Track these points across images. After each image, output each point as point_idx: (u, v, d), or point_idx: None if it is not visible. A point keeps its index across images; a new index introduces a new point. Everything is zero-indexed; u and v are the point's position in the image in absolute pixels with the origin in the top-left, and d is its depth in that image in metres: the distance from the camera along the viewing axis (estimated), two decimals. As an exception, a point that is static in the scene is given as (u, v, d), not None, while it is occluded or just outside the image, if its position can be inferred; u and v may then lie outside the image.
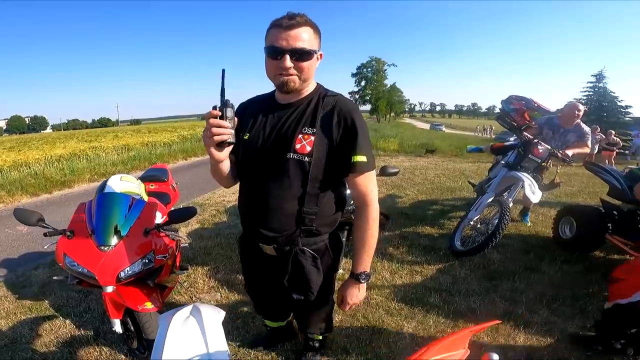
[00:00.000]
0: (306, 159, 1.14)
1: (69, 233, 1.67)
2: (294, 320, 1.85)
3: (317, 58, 1.14)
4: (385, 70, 51.65)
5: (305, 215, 1.20)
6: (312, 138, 1.14)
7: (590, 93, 28.80)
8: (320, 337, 1.77)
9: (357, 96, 53.43)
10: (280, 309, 1.74)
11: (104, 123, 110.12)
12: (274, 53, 1.06)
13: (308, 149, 1.13)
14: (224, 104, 1.02)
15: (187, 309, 0.92)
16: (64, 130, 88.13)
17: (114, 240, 1.64)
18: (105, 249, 1.61)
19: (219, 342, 0.87)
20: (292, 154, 1.14)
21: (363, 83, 52.49)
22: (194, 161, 10.95)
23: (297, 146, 1.14)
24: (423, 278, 2.77)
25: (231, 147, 1.08)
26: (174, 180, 3.09)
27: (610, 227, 2.86)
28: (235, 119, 1.05)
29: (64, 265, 1.65)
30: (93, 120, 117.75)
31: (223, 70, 1.06)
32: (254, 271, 1.49)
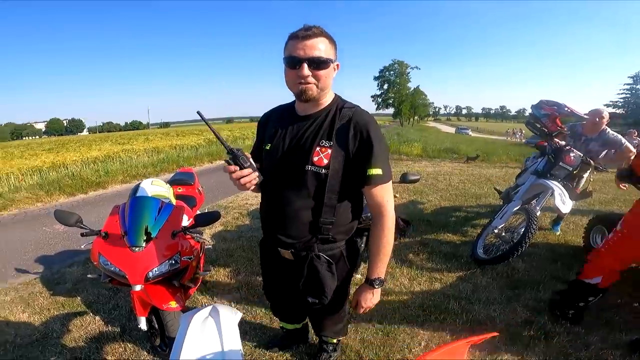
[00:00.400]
0: (323, 171, 1.17)
1: (103, 234, 1.77)
2: (309, 323, 1.88)
3: (334, 68, 1.18)
4: (409, 73, 51.00)
5: (322, 225, 1.25)
6: (329, 151, 1.17)
7: (627, 95, 27.15)
8: (334, 341, 1.80)
9: (379, 100, 53.02)
10: (296, 312, 1.78)
11: (135, 126, 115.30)
12: (293, 62, 1.11)
13: (325, 161, 1.17)
14: (234, 155, 1.12)
15: (207, 310, 0.97)
16: (99, 132, 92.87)
17: (144, 242, 1.73)
18: (136, 249, 1.70)
19: (234, 342, 0.92)
20: (310, 167, 1.18)
21: (386, 86, 52.01)
22: (219, 164, 11.24)
23: (315, 159, 1.18)
24: (442, 285, 2.73)
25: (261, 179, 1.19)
26: (200, 184, 3.21)
27: None
28: (251, 159, 1.15)
29: (99, 264, 1.75)
30: (126, 123, 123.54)
31: (199, 113, 1.18)
32: (273, 274, 1.54)
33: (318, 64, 1.10)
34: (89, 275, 2.27)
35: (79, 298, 2.72)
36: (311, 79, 1.12)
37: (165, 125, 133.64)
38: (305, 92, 1.13)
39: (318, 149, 1.18)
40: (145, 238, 1.74)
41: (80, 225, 1.74)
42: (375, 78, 52.67)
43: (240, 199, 5.75)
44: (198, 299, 2.61)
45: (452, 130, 55.46)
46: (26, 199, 6.48)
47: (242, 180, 1.13)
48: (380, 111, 57.21)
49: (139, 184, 2.25)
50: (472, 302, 2.44)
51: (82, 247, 1.92)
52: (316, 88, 1.14)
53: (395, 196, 3.06)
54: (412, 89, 52.36)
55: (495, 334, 0.90)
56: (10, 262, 3.60)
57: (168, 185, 2.37)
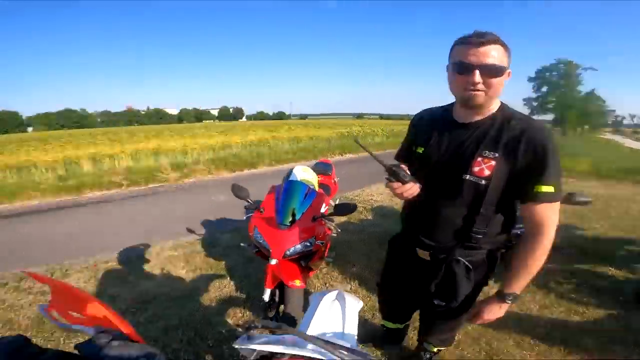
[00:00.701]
0: (483, 182, 1.13)
1: (261, 209, 2.06)
2: (409, 326, 1.89)
3: (507, 76, 1.11)
4: (580, 74, 41.29)
5: (472, 234, 1.22)
6: (493, 162, 1.12)
7: None
8: (435, 350, 1.72)
9: (534, 103, 44.93)
10: (405, 312, 1.77)
11: (280, 116, 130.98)
12: (463, 68, 1.07)
13: (487, 172, 1.13)
14: (393, 173, 1.15)
15: (334, 293, 1.09)
16: (253, 120, 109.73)
17: (290, 222, 1.95)
18: (283, 227, 1.94)
19: (353, 327, 1.00)
20: (468, 176, 1.15)
21: (545, 89, 43.58)
22: (349, 157, 11.78)
23: (476, 169, 1.14)
24: (582, 319, 2.29)
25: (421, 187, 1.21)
26: (336, 175, 3.47)
27: None
28: (407, 170, 1.18)
29: (252, 235, 2.02)
30: (273, 113, 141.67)
31: (356, 140, 1.31)
32: (398, 271, 1.56)
33: (491, 71, 1.06)
34: (241, 244, 2.60)
35: (223, 262, 3.21)
36: (481, 86, 1.07)
37: (304, 117, 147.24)
38: (473, 99, 1.10)
39: (480, 159, 1.14)
40: (291, 219, 1.96)
41: (248, 199, 2.04)
42: (531, 79, 44.77)
43: (366, 194, 5.92)
44: (312, 282, 2.80)
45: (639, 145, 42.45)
46: (202, 170, 8.28)
47: (405, 194, 1.17)
48: (535, 117, 48.57)
49: (292, 169, 2.56)
50: (615, 342, 1.99)
51: (244, 218, 2.26)
52: (485, 95, 1.10)
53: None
54: (583, 93, 42.40)
55: None
56: (184, 223, 4.36)
57: (314, 173, 2.63)
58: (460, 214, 1.21)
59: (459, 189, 1.17)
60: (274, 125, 25.94)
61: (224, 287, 2.78)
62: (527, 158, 1.08)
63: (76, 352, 0.59)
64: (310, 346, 0.68)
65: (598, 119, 48.55)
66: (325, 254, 2.43)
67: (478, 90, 1.08)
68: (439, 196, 1.23)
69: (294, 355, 0.68)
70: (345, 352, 0.67)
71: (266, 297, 1.91)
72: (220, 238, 3.82)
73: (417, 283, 1.42)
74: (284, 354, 0.68)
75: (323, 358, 0.68)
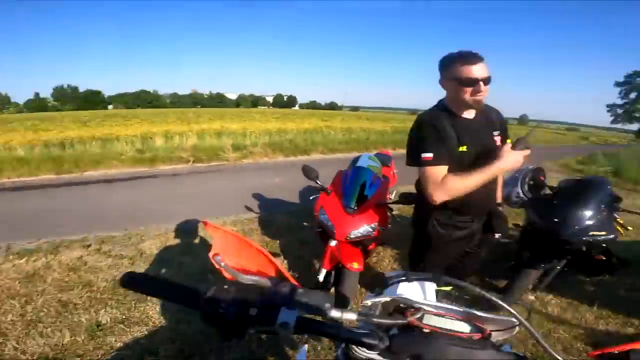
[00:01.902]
0: None
1: (329, 191, 2.16)
2: None
3: None
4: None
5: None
6: (498, 138, 1.64)
7: None
8: None
9: (619, 110, 39.75)
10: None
11: (332, 107, 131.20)
12: (471, 82, 1.44)
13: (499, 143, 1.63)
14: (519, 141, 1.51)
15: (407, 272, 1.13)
16: (306, 108, 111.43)
17: (355, 206, 2.03)
18: (348, 210, 2.02)
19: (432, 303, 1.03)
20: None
21: (633, 95, 38.34)
22: (401, 152, 11.55)
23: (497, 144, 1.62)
24: (637, 332, 2.17)
25: None
26: (395, 167, 3.48)
27: None
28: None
29: (317, 215, 2.11)
30: (325, 103, 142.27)
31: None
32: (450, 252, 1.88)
33: (487, 81, 1.46)
34: (304, 223, 2.69)
35: (278, 242, 3.32)
36: (484, 93, 1.47)
37: (355, 109, 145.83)
38: (480, 102, 1.50)
39: (496, 139, 1.63)
40: (357, 203, 2.04)
41: (316, 180, 2.15)
42: (619, 84, 39.63)
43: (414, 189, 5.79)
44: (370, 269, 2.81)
45: None
46: (259, 153, 8.69)
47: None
48: (617, 125, 43.01)
49: (359, 156, 2.64)
50: None
51: (311, 198, 2.35)
52: (485, 98, 1.50)
53: (628, 228, 2.44)
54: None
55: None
56: (243, 200, 4.64)
57: (380, 162, 2.69)
58: (493, 188, 1.72)
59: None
60: (327, 114, 26.12)
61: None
62: (503, 127, 1.68)
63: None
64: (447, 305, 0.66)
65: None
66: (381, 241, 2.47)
67: (483, 96, 1.47)
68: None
69: (435, 307, 0.67)
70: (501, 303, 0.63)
71: (321, 277, 1.96)
72: (276, 218, 3.96)
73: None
74: (422, 306, 0.67)
75: (461, 315, 0.68)
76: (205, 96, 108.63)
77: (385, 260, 3.10)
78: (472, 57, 1.44)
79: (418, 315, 0.65)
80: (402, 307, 0.68)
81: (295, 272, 2.81)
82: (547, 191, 2.41)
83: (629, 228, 2.46)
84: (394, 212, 2.32)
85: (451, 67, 1.48)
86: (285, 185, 5.63)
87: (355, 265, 1.96)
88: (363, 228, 2.00)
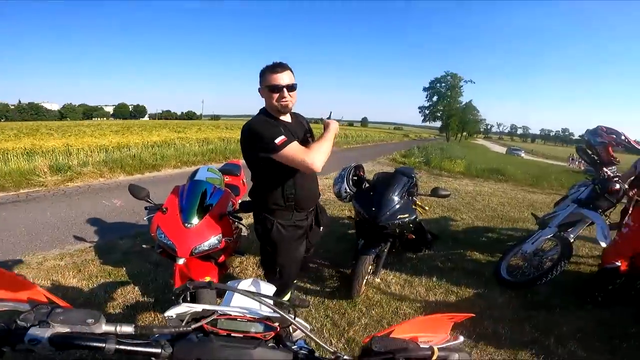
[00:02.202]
0: None
1: (164, 209, 2.02)
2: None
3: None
4: (462, 86, 49.10)
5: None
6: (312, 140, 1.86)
7: None
8: None
9: (426, 112, 51.54)
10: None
11: (190, 116, 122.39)
12: (276, 89, 1.63)
13: None
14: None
15: (249, 281, 1.19)
16: (157, 119, 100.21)
17: (195, 220, 1.96)
18: (188, 226, 1.94)
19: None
20: None
21: (435, 98, 50.49)
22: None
23: None
24: (457, 299, 2.78)
25: None
26: (245, 176, 3.50)
27: None
28: None
29: (155, 235, 1.98)
30: (182, 112, 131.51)
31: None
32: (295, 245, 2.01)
33: (292, 88, 1.67)
34: (143, 246, 2.50)
35: (124, 269, 2.98)
36: (289, 98, 1.68)
37: (216, 117, 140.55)
38: (287, 107, 1.70)
39: (310, 139, 1.84)
40: (196, 217, 1.97)
41: (147, 199, 2.00)
42: (425, 89, 51.38)
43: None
44: (226, 281, 2.85)
45: (502, 150, 52.30)
46: (91, 173, 7.26)
47: None
48: (427, 124, 55.59)
49: (198, 169, 2.54)
50: (483, 318, 2.47)
51: (145, 219, 2.16)
52: (292, 104, 1.72)
53: (425, 208, 3.13)
54: (463, 103, 50.40)
55: (472, 314, 1.00)
56: (70, 230, 3.98)
57: (220, 173, 2.64)
58: (317, 185, 2.01)
59: None
60: (181, 125, 24.20)
61: (129, 293, 2.61)
62: (310, 130, 1.93)
63: (23, 324, 0.56)
64: (239, 303, 0.73)
65: (473, 126, 58.30)
66: (236, 251, 2.47)
67: (287, 101, 1.67)
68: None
69: (225, 313, 0.72)
70: (271, 303, 0.73)
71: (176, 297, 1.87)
72: (118, 244, 3.54)
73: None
74: (215, 311, 0.72)
75: (253, 316, 0.74)
76: (12, 107, 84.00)
77: (249, 268, 3.10)
78: (277, 67, 1.62)
79: (208, 321, 0.69)
80: (200, 314, 0.74)
81: (151, 296, 2.56)
82: (367, 185, 2.87)
83: (426, 208, 3.20)
84: (244, 223, 2.32)
85: (263, 76, 1.66)
86: (128, 206, 4.91)
87: (208, 280, 1.88)
88: (207, 242, 1.95)
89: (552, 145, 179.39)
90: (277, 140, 1.56)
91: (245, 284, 1.16)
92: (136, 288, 2.68)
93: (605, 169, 3.23)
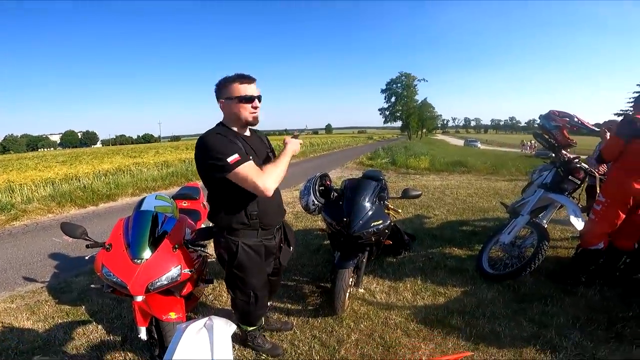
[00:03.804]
0: None
1: (107, 246, 1.82)
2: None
3: None
4: (416, 85, 51.04)
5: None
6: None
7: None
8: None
9: (387, 113, 52.99)
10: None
11: (147, 139, 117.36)
12: (250, 99, 1.61)
13: None
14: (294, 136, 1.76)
15: (202, 321, 0.99)
16: (112, 145, 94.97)
17: (146, 254, 1.77)
18: (138, 262, 1.75)
19: (226, 353, 0.93)
20: None
21: (393, 99, 52.05)
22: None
23: None
24: (446, 300, 2.68)
25: None
26: (205, 199, 3.24)
27: None
28: None
29: (101, 274, 1.80)
30: (138, 136, 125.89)
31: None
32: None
33: (260, 99, 1.66)
34: (92, 285, 2.33)
35: (83, 307, 2.77)
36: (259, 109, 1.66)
37: (176, 138, 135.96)
38: (257, 118, 1.67)
39: (270, 154, 1.82)
40: (147, 251, 1.79)
41: (85, 237, 1.80)
42: (383, 91, 52.81)
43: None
44: (201, 310, 2.63)
45: (460, 142, 55.02)
46: (38, 210, 6.63)
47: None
48: (388, 124, 57.21)
49: (143, 198, 2.32)
50: (477, 317, 2.39)
51: (87, 257, 1.97)
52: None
53: (397, 211, 3.02)
54: (419, 101, 52.38)
55: (469, 353, 0.88)
56: (19, 271, 3.70)
57: (172, 200, 2.43)
58: (281, 201, 1.93)
59: None
60: (137, 149, 23.01)
61: (91, 333, 2.42)
62: (270, 145, 1.91)
63: None
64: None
65: (431, 123, 60.77)
66: (203, 281, 2.30)
67: (258, 112, 1.65)
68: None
69: None
70: None
71: (142, 335, 1.79)
72: (73, 282, 3.28)
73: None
74: None
75: None
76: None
77: (224, 295, 2.84)
78: (247, 77, 1.61)
79: None
80: None
81: (117, 334, 2.37)
82: (335, 194, 2.72)
83: (399, 211, 3.12)
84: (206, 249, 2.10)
85: (229, 88, 1.60)
86: (82, 242, 4.38)
87: (173, 315, 1.79)
88: (165, 276, 1.76)
89: (503, 133, 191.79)
90: (230, 159, 1.46)
91: (195, 328, 0.96)
92: (99, 327, 2.47)
93: (564, 151, 3.31)
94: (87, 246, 1.85)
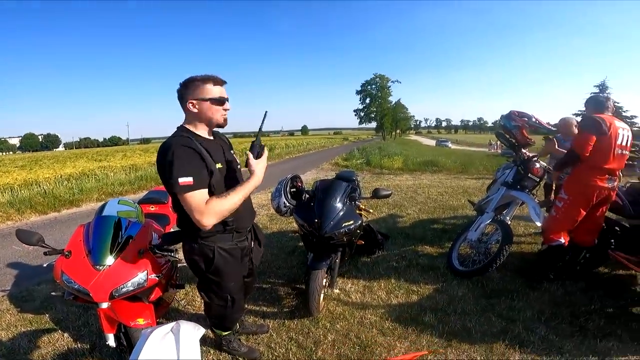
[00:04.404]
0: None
1: (67, 253, 1.75)
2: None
3: None
4: (389, 86, 52.04)
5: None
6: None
7: (595, 104, 28.59)
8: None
9: (362, 114, 53.68)
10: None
11: (114, 142, 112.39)
12: (222, 101, 1.60)
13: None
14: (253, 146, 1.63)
15: (169, 326, 0.97)
16: (75, 148, 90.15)
17: (108, 261, 1.72)
18: (100, 268, 1.69)
19: (192, 355, 0.91)
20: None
21: (368, 100, 52.80)
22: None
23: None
24: (419, 297, 2.75)
25: None
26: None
27: (613, 243, 2.81)
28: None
29: (61, 282, 1.73)
30: (104, 138, 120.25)
31: (265, 112, 1.77)
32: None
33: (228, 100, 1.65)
34: (52, 293, 2.26)
35: (47, 315, 2.66)
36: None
37: (146, 141, 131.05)
38: (226, 120, 1.66)
39: (234, 155, 1.80)
40: (109, 257, 1.73)
41: (42, 244, 1.72)
42: (358, 92, 53.44)
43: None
44: (172, 315, 2.57)
45: (432, 142, 56.60)
46: (-5, 218, 6.19)
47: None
48: (364, 125, 57.94)
49: (105, 203, 2.25)
50: (449, 314, 2.47)
51: (45, 265, 1.86)
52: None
53: (369, 211, 3.06)
54: (393, 102, 53.45)
55: (425, 352, 0.92)
56: None
57: (136, 204, 2.36)
58: (250, 201, 1.86)
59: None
60: (103, 152, 21.98)
61: (57, 341, 2.34)
62: (231, 146, 1.87)
63: None
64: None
65: (405, 123, 62.25)
66: (173, 286, 2.25)
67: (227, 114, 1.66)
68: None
69: None
70: None
71: (110, 342, 1.77)
72: (35, 290, 3.14)
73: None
74: None
75: None
76: None
77: (197, 299, 2.76)
78: (218, 78, 1.58)
79: None
80: None
81: (85, 342, 2.28)
82: (307, 195, 2.73)
83: (371, 210, 3.17)
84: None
85: (202, 88, 1.55)
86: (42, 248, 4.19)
87: (141, 321, 1.75)
88: (130, 281, 1.71)
89: (472, 133, 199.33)
90: (182, 181, 1.42)
91: (161, 333, 0.93)
92: (65, 335, 2.39)
93: (524, 150, 3.49)
94: (45, 253, 1.77)
